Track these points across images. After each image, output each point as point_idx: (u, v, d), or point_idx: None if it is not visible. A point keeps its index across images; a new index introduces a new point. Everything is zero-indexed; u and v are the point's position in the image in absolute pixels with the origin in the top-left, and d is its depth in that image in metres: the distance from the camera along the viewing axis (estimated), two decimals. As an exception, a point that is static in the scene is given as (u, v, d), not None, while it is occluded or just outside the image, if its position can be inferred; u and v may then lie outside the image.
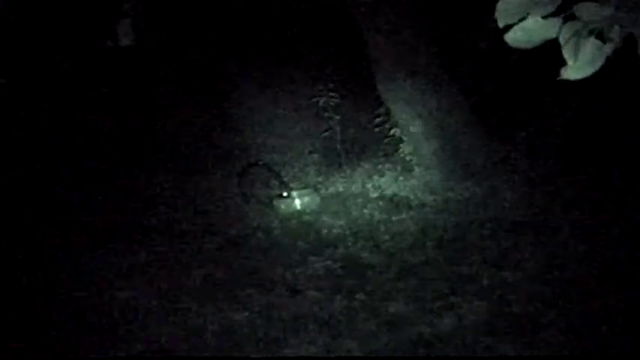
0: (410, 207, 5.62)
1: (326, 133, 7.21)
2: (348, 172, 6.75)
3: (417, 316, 3.67)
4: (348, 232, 5.23)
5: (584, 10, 1.49)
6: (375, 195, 6.03)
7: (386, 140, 6.66)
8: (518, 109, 6.58)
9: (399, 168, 6.42)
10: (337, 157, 7.09)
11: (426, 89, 5.91)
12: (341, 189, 6.40)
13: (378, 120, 6.70)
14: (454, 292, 3.92)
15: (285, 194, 6.03)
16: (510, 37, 1.54)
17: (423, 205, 5.63)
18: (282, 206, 5.95)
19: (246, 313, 3.86)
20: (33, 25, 6.88)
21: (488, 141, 6.15)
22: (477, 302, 3.76)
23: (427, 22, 6.07)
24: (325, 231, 5.32)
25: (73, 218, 5.96)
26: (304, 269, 4.52)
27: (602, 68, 1.53)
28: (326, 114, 7.17)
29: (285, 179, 6.40)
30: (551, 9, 1.50)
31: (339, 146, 7.13)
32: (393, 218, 5.43)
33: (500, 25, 1.53)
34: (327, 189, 6.44)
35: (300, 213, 5.84)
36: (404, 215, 5.46)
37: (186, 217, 5.97)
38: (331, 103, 7.09)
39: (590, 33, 1.51)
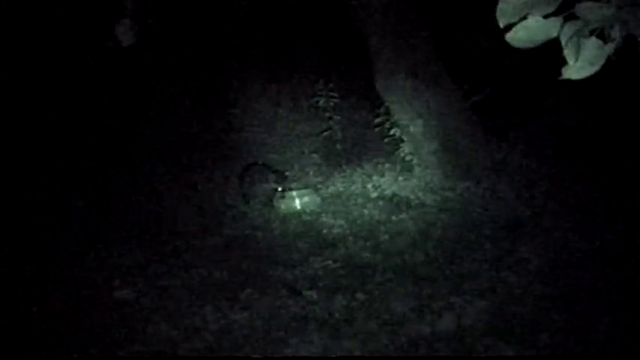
0: (410, 207, 5.61)
1: (326, 133, 7.21)
2: (348, 172, 6.75)
3: (417, 316, 3.68)
4: (348, 232, 5.23)
5: (585, 10, 1.49)
6: (375, 195, 6.02)
7: (386, 140, 6.66)
8: (518, 109, 6.57)
9: (399, 168, 6.42)
10: (337, 157, 7.09)
11: (426, 89, 5.91)
12: (341, 189, 6.39)
13: (378, 120, 6.69)
14: (454, 292, 3.92)
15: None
16: (511, 37, 1.54)
17: (423, 205, 5.62)
18: (282, 206, 5.95)
19: (246, 313, 3.87)
20: (33, 25, 6.87)
21: (488, 141, 6.14)
22: (477, 302, 3.76)
23: (427, 21, 6.06)
24: (325, 231, 5.32)
25: (72, 218, 5.95)
26: (304, 269, 4.51)
27: (603, 68, 1.53)
28: (326, 114, 7.17)
29: (285, 179, 6.39)
30: (552, 8, 1.50)
31: (339, 146, 7.13)
32: (393, 218, 5.42)
33: (501, 24, 1.53)
34: (327, 189, 6.44)
35: (300, 213, 5.84)
36: (404, 215, 5.45)
37: (186, 217, 5.96)
38: (331, 103, 7.09)
39: (591, 33, 1.51)
